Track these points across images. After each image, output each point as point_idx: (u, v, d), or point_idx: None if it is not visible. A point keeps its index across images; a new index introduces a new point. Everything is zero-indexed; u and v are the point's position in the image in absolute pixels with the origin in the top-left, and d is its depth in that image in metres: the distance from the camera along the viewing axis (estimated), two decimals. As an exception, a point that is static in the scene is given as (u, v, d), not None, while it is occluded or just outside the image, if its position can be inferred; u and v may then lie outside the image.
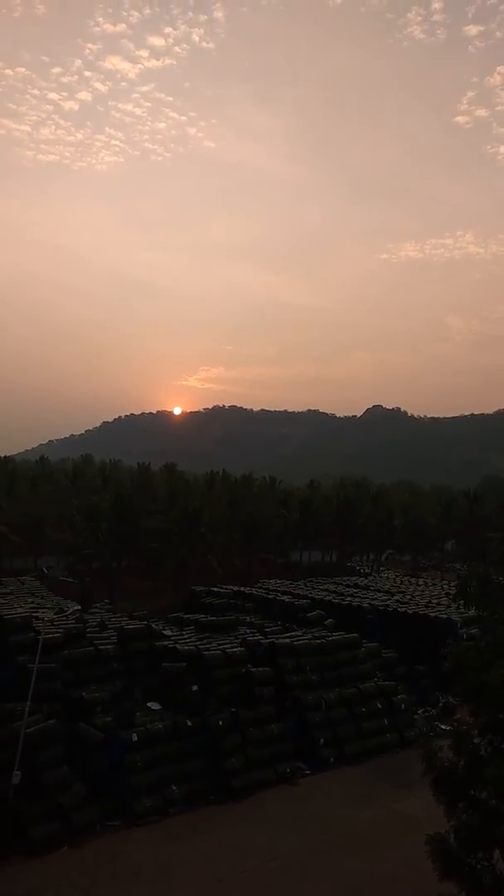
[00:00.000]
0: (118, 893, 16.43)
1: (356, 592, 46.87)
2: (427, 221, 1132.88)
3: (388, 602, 41.88)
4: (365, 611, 39.19)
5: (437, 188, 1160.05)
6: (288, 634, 30.85)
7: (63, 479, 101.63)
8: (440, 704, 31.50)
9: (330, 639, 30.42)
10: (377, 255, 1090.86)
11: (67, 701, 22.82)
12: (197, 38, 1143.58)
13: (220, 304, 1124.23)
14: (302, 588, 48.34)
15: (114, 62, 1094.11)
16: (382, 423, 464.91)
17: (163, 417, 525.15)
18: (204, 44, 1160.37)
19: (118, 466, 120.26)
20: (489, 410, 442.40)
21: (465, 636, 28.57)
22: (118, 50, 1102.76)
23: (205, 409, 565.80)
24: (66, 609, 30.33)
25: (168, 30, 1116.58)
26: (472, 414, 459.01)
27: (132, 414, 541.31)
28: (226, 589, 46.15)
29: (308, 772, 24.27)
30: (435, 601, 42.81)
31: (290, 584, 51.50)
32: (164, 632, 30.29)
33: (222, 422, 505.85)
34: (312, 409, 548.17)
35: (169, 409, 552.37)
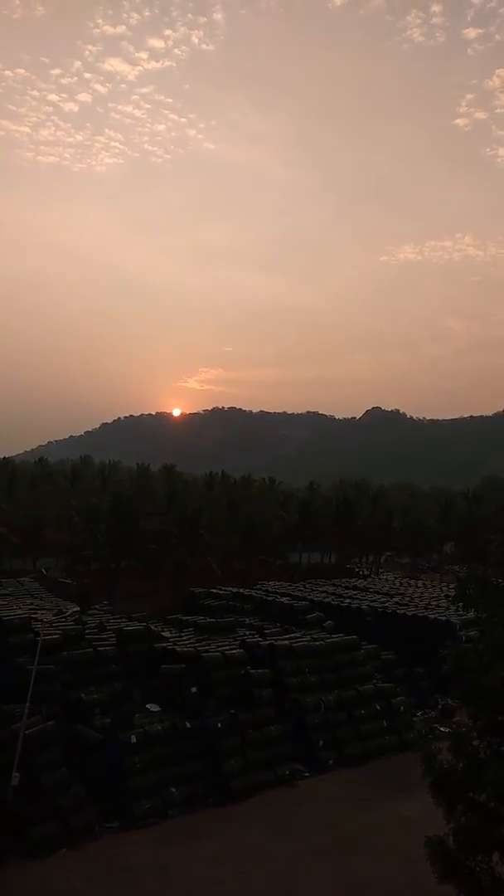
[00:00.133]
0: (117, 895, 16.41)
1: (355, 594, 46.86)
2: (426, 224, 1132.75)
3: (387, 604, 41.90)
4: (364, 613, 39.20)
5: (436, 190, 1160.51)
6: (287, 636, 30.84)
7: (62, 480, 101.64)
8: (439, 707, 31.50)
9: (329, 641, 30.43)
10: (376, 257, 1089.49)
11: (66, 702, 22.80)
12: (196, 41, 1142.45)
13: (219, 305, 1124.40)
14: (301, 590, 48.34)
15: (113, 64, 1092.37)
16: (381, 425, 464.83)
17: (162, 418, 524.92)
18: (203, 46, 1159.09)
19: (117, 467, 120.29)
20: (488, 412, 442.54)
21: (464, 638, 28.53)
22: (118, 52, 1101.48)
23: (204, 410, 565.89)
24: (64, 610, 30.34)
25: (168, 32, 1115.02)
26: (471, 416, 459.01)
27: (131, 415, 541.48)
28: (225, 591, 46.16)
29: (307, 774, 24.26)
30: (434, 603, 42.82)
31: (290, 585, 51.49)
32: (163, 633, 30.25)
33: (221, 423, 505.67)
34: (311, 410, 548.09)
35: (168, 411, 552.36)
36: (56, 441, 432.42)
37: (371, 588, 51.91)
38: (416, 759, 13.06)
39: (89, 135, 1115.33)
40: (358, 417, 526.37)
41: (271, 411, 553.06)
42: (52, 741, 20.32)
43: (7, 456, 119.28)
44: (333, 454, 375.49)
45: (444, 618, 36.18)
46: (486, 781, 11.85)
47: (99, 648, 25.95)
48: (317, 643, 29.56)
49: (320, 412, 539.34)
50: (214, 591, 46.13)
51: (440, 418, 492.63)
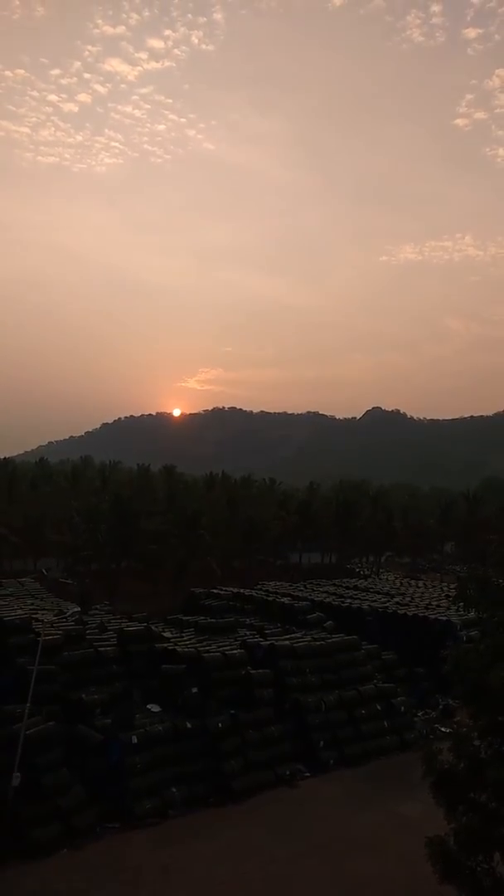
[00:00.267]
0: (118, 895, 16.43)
1: (356, 594, 46.85)
2: (426, 224, 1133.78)
3: (387, 604, 41.90)
4: (365, 613, 39.19)
5: (436, 190, 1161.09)
6: (287, 636, 30.84)
7: (62, 480, 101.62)
8: (440, 707, 31.49)
9: (329, 641, 30.43)
10: (376, 258, 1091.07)
11: (67, 703, 22.81)
12: (196, 41, 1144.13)
13: (219, 305, 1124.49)
14: (301, 590, 48.33)
15: (113, 64, 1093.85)
16: (382, 425, 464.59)
17: (162, 419, 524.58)
18: (203, 46, 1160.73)
19: (117, 468, 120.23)
20: (488, 412, 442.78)
21: (464, 638, 28.51)
22: (117, 52, 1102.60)
23: (204, 410, 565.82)
24: (65, 611, 30.36)
25: (167, 32, 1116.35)
26: (471, 416, 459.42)
27: (132, 415, 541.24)
28: (225, 591, 46.13)
29: (308, 774, 24.26)
30: (434, 603, 42.82)
31: (290, 585, 51.48)
32: (164, 634, 30.27)
33: (222, 423, 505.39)
34: (312, 410, 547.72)
35: (168, 411, 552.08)
36: (56, 441, 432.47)
37: (371, 588, 51.91)
38: (416, 759, 13.05)
39: (89, 135, 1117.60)
40: (358, 418, 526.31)
41: (271, 411, 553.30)
42: (52, 742, 20.32)
43: (7, 456, 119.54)
44: (334, 454, 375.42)
45: (444, 618, 36.17)
46: (487, 782, 11.84)
47: (99, 649, 25.96)
48: (317, 643, 29.56)
49: (320, 412, 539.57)
50: (215, 591, 46.08)
51: (440, 418, 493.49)
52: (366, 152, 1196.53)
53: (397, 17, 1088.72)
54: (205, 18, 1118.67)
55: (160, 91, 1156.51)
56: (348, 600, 43.09)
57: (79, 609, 31.51)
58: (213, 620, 34.58)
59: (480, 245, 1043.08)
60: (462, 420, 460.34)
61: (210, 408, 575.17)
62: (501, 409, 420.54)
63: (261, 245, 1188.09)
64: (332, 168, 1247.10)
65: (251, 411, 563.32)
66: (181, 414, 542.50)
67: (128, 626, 29.55)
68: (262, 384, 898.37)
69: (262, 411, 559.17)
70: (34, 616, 26.96)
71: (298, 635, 31.09)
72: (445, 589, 53.58)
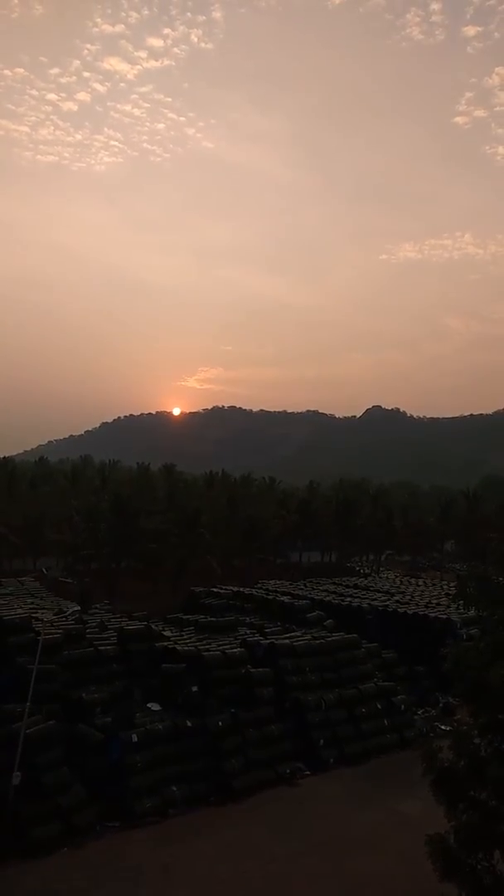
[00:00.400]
0: (118, 895, 16.43)
1: (356, 593, 46.87)
2: (426, 222, 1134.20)
3: (387, 602, 41.90)
4: (365, 611, 39.20)
5: (435, 189, 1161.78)
6: (287, 635, 30.85)
7: (62, 479, 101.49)
8: (440, 705, 31.51)
9: (330, 639, 30.44)
10: (376, 256, 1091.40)
11: (67, 702, 22.82)
12: (195, 39, 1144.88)
13: (218, 304, 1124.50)
14: (301, 588, 48.35)
15: (112, 63, 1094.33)
16: (381, 424, 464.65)
17: (162, 418, 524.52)
18: (203, 45, 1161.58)
19: (117, 467, 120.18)
20: (488, 410, 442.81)
21: (464, 636, 28.56)
22: (117, 51, 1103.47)
23: (204, 409, 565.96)
24: (65, 610, 30.33)
25: (167, 30, 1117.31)
26: (471, 414, 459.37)
27: (131, 414, 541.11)
28: (225, 590, 46.14)
29: (308, 772, 24.27)
30: (434, 601, 42.82)
31: (290, 584, 51.49)
32: (164, 632, 30.28)
33: (221, 422, 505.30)
34: (311, 409, 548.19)
35: (168, 410, 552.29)
36: (56, 440, 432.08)
37: (371, 587, 51.91)
38: (416, 757, 13.04)
39: (88, 134, 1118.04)
40: (358, 416, 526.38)
41: (271, 410, 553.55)
42: (52, 740, 20.33)
43: (7, 455, 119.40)
44: (333, 453, 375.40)
45: (444, 616, 36.19)
46: (487, 779, 11.84)
47: (100, 648, 25.97)
48: (317, 642, 29.57)
49: (320, 411, 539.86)
50: (215, 590, 46.10)
51: (440, 417, 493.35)
52: (365, 150, 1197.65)
53: (397, 14, 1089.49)
54: (204, 17, 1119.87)
55: (159, 90, 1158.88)
56: (348, 599, 43.10)
57: (79, 608, 31.51)
58: (213, 619, 34.61)
59: (480, 243, 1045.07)
60: (462, 418, 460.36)
61: (210, 407, 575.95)
62: (501, 408, 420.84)
63: (260, 244, 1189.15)
64: (331, 166, 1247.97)
65: (251, 410, 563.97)
66: (181, 413, 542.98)
67: (128, 625, 29.56)
68: (262, 383, 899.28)
69: (261, 410, 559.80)
70: (34, 615, 26.97)
71: (298, 634, 31.10)
72: (445, 587, 53.57)
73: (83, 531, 64.66)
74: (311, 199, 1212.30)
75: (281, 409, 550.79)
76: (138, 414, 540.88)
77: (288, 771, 23.77)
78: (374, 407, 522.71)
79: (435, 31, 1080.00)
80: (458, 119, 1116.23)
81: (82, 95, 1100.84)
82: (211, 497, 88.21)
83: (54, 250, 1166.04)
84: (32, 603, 35.22)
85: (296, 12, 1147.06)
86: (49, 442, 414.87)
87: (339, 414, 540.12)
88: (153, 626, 30.06)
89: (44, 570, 63.88)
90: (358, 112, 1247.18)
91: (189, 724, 23.03)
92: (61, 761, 20.16)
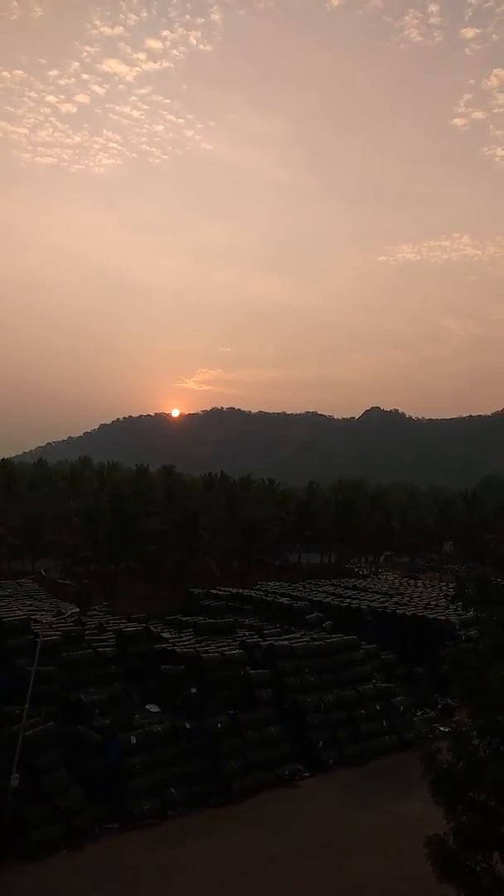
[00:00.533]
0: (117, 896, 16.41)
1: (355, 594, 46.87)
2: (424, 224, 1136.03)
3: (386, 604, 41.91)
4: (364, 613, 39.21)
5: (434, 190, 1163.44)
6: (286, 636, 30.83)
7: (61, 481, 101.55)
8: (439, 706, 31.50)
9: (329, 641, 30.42)
10: (375, 258, 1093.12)
11: (66, 704, 22.79)
12: (194, 41, 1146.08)
13: (217, 306, 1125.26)
14: (300, 590, 48.34)
15: (111, 65, 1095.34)
16: (380, 425, 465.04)
17: (161, 419, 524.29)
18: (201, 46, 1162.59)
19: (116, 468, 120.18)
20: (487, 412, 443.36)
21: (463, 638, 28.58)
22: (115, 53, 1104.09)
23: (203, 411, 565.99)
24: (64, 611, 30.37)
25: (165, 33, 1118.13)
26: (469, 415, 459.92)
27: (130, 416, 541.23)
28: (224, 591, 46.13)
29: (307, 774, 24.24)
30: (433, 603, 42.83)
31: (289, 585, 51.48)
32: (163, 634, 30.24)
33: (220, 424, 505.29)
34: (310, 410, 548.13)
35: (167, 412, 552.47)
36: (55, 442, 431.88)
37: (370, 588, 51.94)
38: (416, 758, 13.03)
39: (87, 136, 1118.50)
40: (357, 417, 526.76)
41: (270, 412, 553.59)
42: (51, 742, 20.31)
43: (6, 457, 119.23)
44: (332, 454, 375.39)
45: (443, 617, 36.20)
46: (487, 781, 11.84)
47: (98, 649, 25.93)
48: (316, 643, 29.55)
49: (319, 412, 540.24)
50: (214, 591, 46.09)
51: (439, 418, 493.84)
52: (364, 152, 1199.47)
53: (395, 17, 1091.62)
54: (203, 19, 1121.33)
55: (158, 92, 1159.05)
56: (347, 600, 43.09)
57: (77, 610, 31.55)
58: (212, 621, 34.57)
59: (479, 245, 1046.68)
60: (460, 420, 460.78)
61: (209, 408, 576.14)
62: (500, 409, 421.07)
63: (259, 245, 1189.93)
64: (330, 168, 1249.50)
65: (250, 411, 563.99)
66: (180, 414, 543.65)
67: (127, 627, 29.52)
68: (261, 384, 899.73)
69: (260, 411, 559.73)
70: (33, 617, 26.97)
71: (297, 635, 31.08)
72: (444, 588, 53.62)
73: (82, 533, 64.68)
74: (310, 201, 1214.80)
75: (280, 411, 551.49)
76: (137, 415, 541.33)
77: (287, 772, 23.75)
78: (372, 408, 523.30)
79: (433, 33, 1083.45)
80: (457, 121, 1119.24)
81: (81, 97, 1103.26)
82: (210, 498, 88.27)
83: (53, 252, 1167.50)
84: (31, 605, 35.22)
85: (294, 14, 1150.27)
86: (48, 443, 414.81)
87: (337, 415, 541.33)
88: (152, 628, 30.02)
89: (42, 572, 63.91)
90: (356, 114, 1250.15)
91: (188, 725, 23.00)
92: (60, 763, 20.13)
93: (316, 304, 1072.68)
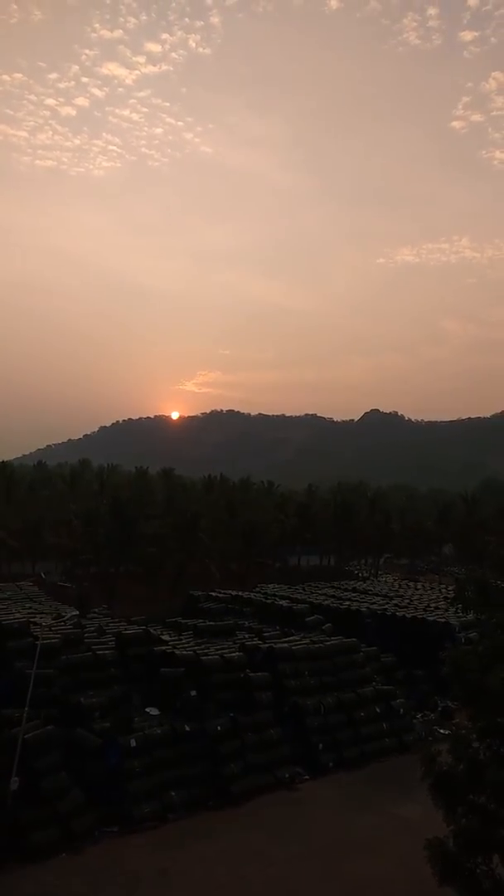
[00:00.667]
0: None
1: (354, 597, 46.89)
2: (423, 226, 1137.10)
3: (386, 606, 41.91)
4: (363, 615, 39.20)
5: (433, 193, 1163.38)
6: (286, 639, 30.83)
7: (61, 483, 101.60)
8: (439, 709, 31.50)
9: (328, 643, 30.42)
10: (374, 260, 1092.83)
11: (65, 706, 22.77)
12: (193, 44, 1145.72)
13: (217, 308, 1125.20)
14: (300, 592, 48.35)
15: (111, 68, 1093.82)
16: (380, 427, 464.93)
17: (160, 422, 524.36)
18: (201, 49, 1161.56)
19: (116, 471, 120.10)
20: (486, 414, 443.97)
21: (463, 640, 28.56)
22: (115, 56, 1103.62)
23: (202, 413, 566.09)
24: (63, 614, 30.30)
25: (165, 36, 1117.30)
26: (469, 417, 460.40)
27: (130, 419, 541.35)
28: (224, 593, 46.12)
29: (307, 777, 24.24)
30: (433, 605, 42.84)
31: (289, 588, 51.49)
32: (163, 637, 30.23)
33: (220, 426, 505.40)
34: (310, 413, 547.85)
35: (167, 414, 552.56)
36: (54, 445, 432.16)
37: (370, 590, 51.93)
38: (415, 761, 13.06)
39: (87, 139, 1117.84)
40: (356, 420, 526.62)
41: (270, 414, 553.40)
42: (51, 745, 20.29)
43: (5, 459, 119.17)
44: (332, 457, 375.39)
45: (443, 620, 36.20)
46: (486, 783, 11.85)
47: (98, 652, 25.90)
48: (316, 646, 29.55)
49: (319, 415, 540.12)
50: (213, 594, 46.08)
51: (438, 420, 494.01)
52: (363, 154, 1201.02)
53: (394, 19, 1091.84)
54: (202, 22, 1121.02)
55: (158, 94, 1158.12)
56: (347, 602, 43.10)
57: (77, 612, 31.49)
58: (211, 623, 34.53)
59: (477, 247, 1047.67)
60: (460, 422, 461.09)
61: (208, 410, 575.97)
62: (499, 411, 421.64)
63: (259, 248, 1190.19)
64: (329, 170, 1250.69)
65: (249, 414, 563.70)
66: (179, 417, 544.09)
67: (126, 630, 29.51)
68: (260, 387, 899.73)
69: (260, 414, 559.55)
70: (32, 620, 26.95)
71: (297, 638, 31.09)
72: (444, 591, 53.61)
73: (82, 535, 64.67)
74: (309, 203, 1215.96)
75: (279, 413, 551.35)
76: (137, 418, 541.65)
77: (287, 775, 23.74)
78: (372, 410, 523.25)
79: (432, 36, 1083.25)
80: (455, 123, 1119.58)
81: (81, 100, 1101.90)
82: (209, 501, 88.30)
83: (53, 255, 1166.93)
84: (31, 607, 35.21)
85: (293, 17, 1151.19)
86: (48, 446, 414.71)
87: (337, 417, 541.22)
88: (152, 631, 30.02)
89: (42, 575, 63.88)
90: (355, 116, 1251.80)
91: (188, 728, 23.00)
92: (60, 766, 20.12)
93: (315, 307, 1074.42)
